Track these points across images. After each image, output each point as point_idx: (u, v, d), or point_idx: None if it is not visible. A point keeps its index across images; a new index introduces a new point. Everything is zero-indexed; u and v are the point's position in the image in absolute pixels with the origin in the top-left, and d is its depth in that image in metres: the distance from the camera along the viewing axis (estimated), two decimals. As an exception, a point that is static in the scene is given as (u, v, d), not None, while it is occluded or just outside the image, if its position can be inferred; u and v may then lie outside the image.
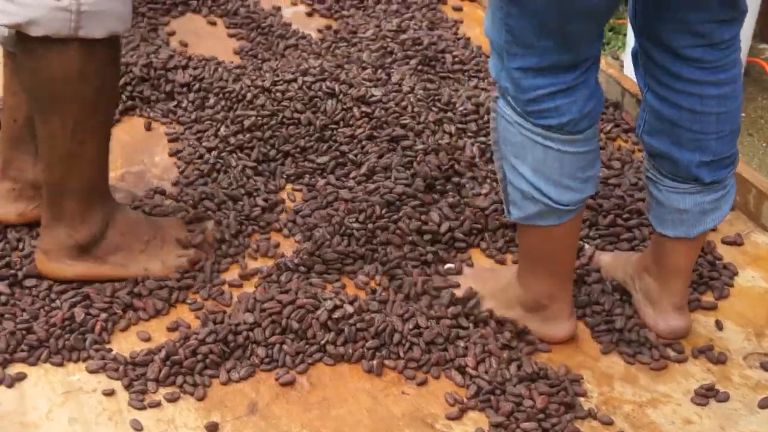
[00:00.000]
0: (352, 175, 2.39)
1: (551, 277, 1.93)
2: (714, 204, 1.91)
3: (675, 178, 1.89)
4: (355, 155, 2.44)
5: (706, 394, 1.91)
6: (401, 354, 1.96)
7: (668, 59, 1.80)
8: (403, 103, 2.56)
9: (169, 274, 2.09)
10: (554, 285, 1.94)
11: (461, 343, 1.95)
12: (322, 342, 1.96)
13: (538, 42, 1.70)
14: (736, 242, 2.28)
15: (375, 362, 1.94)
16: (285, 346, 1.95)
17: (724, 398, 1.91)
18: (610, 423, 1.86)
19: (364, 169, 2.39)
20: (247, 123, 2.48)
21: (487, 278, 2.10)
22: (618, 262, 2.13)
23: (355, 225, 2.22)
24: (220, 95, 2.59)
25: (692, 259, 1.99)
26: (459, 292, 2.06)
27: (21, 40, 1.85)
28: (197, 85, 2.64)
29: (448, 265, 2.14)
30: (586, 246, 2.20)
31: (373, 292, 2.09)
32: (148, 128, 2.56)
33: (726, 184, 1.91)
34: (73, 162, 1.95)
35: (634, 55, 1.88)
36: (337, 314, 1.98)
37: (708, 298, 2.14)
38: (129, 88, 2.63)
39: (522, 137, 1.78)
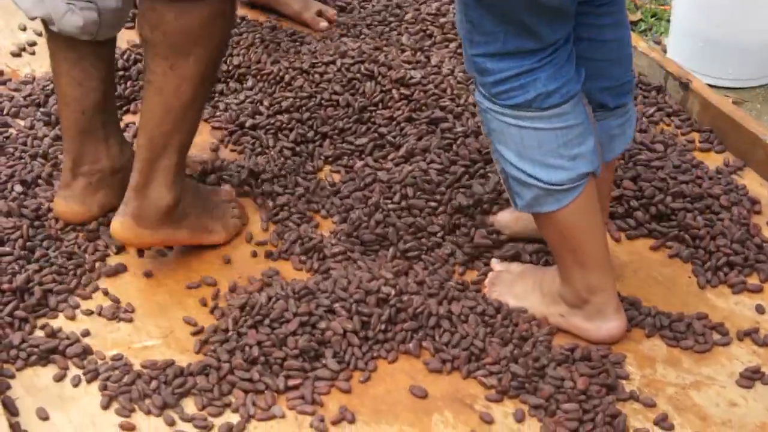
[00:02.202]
0: (390, 157, 2.37)
1: (583, 268, 1.87)
2: (619, 129, 1.96)
3: None
4: (394, 137, 2.41)
5: (752, 377, 1.88)
6: (437, 337, 1.93)
7: None
8: (443, 86, 2.53)
9: (229, 238, 2.12)
10: (589, 275, 1.88)
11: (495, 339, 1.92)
12: (377, 328, 1.93)
13: (498, 29, 1.71)
14: (782, 225, 2.23)
15: (412, 344, 1.92)
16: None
17: (771, 381, 1.87)
18: (652, 405, 1.82)
19: (402, 151, 2.36)
20: (285, 104, 2.47)
21: (532, 274, 2.04)
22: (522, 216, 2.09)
23: (392, 206, 2.20)
24: (258, 77, 2.58)
25: (607, 187, 2.02)
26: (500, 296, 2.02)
27: None
28: (235, 70, 2.63)
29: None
30: None
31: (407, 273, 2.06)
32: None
33: (628, 110, 1.96)
34: (186, 114, 1.94)
35: None
36: (379, 295, 1.96)
37: (754, 280, 2.10)
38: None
39: (498, 122, 1.78)
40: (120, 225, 2.00)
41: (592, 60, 1.86)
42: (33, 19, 2.03)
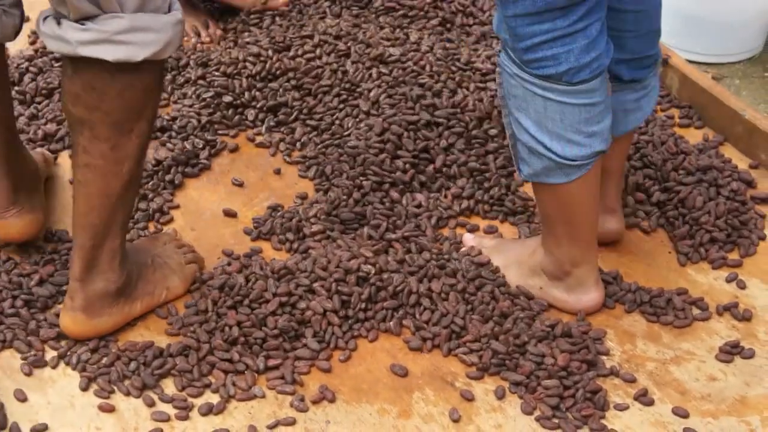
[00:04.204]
0: (367, 135, 2.35)
1: (572, 241, 1.88)
2: (635, 104, 1.95)
3: None
4: (371, 113, 2.40)
5: (731, 351, 1.88)
6: (417, 316, 1.93)
7: None
8: (422, 63, 2.52)
9: (188, 286, 1.96)
10: (576, 249, 1.89)
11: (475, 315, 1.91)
12: (357, 307, 1.92)
13: None
14: (766, 200, 2.23)
15: (392, 322, 1.91)
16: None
17: (750, 355, 1.88)
18: (633, 380, 1.83)
19: (379, 129, 2.35)
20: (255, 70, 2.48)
21: (510, 248, 2.05)
22: None
23: (372, 182, 2.20)
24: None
25: (620, 161, 2.01)
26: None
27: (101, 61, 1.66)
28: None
29: (466, 236, 2.11)
30: None
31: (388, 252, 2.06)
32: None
33: (646, 85, 1.94)
34: (128, 192, 1.78)
35: None
36: (359, 274, 1.95)
37: (734, 255, 2.10)
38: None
39: (523, 90, 1.77)
40: (71, 321, 1.84)
41: (609, 29, 1.83)
42: None
